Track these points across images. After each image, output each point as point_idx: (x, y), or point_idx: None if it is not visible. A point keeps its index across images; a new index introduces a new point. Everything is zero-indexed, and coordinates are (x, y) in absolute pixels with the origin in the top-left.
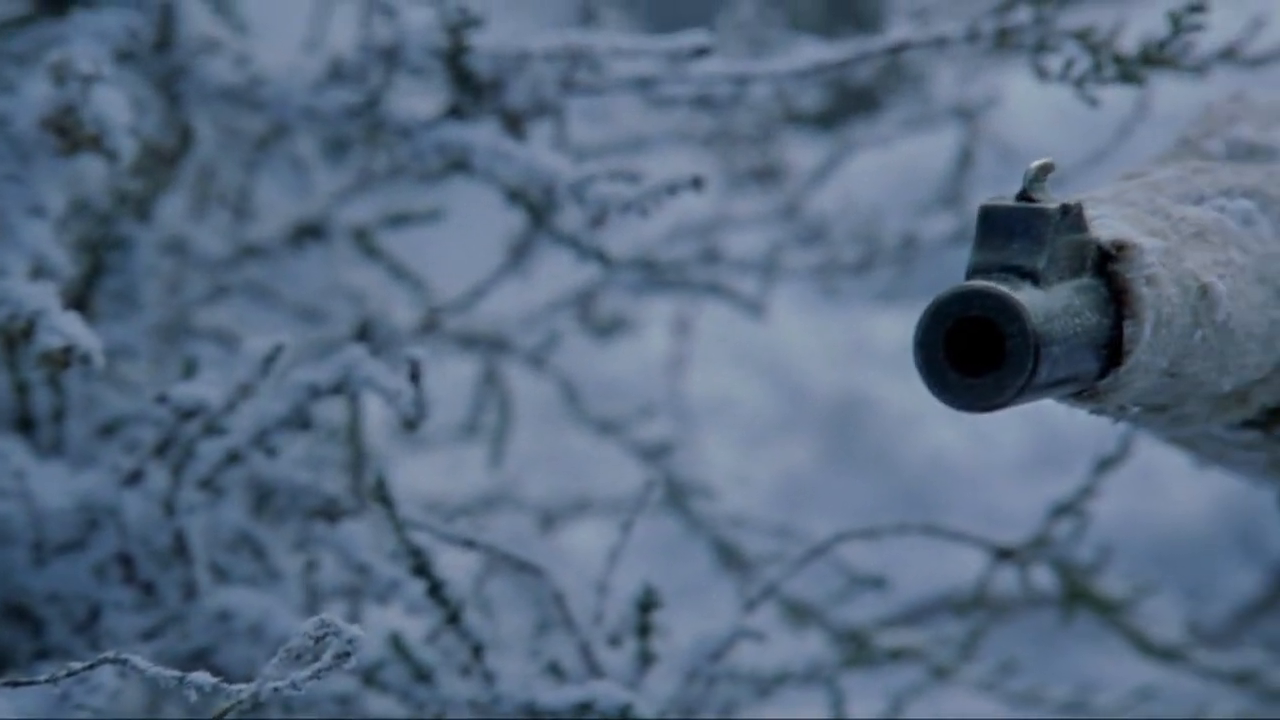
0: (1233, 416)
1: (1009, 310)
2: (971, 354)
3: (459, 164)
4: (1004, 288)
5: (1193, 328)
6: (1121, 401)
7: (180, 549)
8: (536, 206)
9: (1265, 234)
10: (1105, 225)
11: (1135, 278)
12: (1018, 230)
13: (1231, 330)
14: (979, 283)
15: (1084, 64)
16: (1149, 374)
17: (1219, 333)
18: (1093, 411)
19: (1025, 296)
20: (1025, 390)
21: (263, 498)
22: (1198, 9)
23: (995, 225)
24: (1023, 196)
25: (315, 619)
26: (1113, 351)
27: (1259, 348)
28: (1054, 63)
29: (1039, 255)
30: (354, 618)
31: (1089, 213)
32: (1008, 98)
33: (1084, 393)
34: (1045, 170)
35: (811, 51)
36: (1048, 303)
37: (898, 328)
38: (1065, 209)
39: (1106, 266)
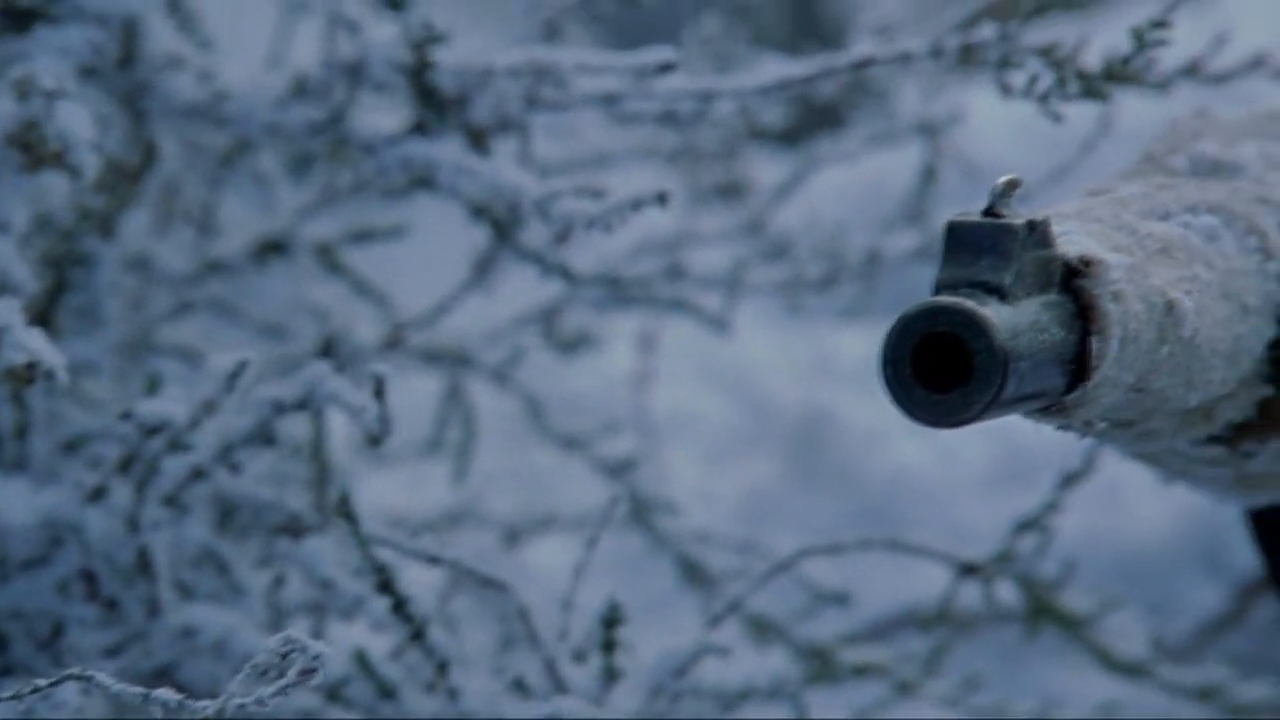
0: (1198, 432)
1: (976, 326)
2: (939, 370)
3: (423, 180)
4: (971, 303)
5: (1158, 343)
6: (1088, 417)
7: (144, 565)
8: (501, 223)
9: (1229, 250)
10: (1071, 241)
11: (1101, 293)
12: (984, 246)
13: (1197, 346)
14: (946, 298)
15: (1048, 80)
16: (1115, 389)
17: (1185, 348)
18: (1059, 427)
19: (992, 312)
20: (992, 406)
21: (227, 514)
22: (1161, 25)
23: (962, 241)
24: (989, 212)
25: (280, 635)
26: (1079, 367)
27: (1224, 363)
28: (1018, 79)
29: (1006, 271)
30: (318, 634)
31: (1055, 229)
32: (971, 114)
33: (1051, 408)
34: (1012, 186)
35: (776, 68)
36: (1014, 318)
37: (862, 344)
38: (1032, 225)
39: (1073, 282)
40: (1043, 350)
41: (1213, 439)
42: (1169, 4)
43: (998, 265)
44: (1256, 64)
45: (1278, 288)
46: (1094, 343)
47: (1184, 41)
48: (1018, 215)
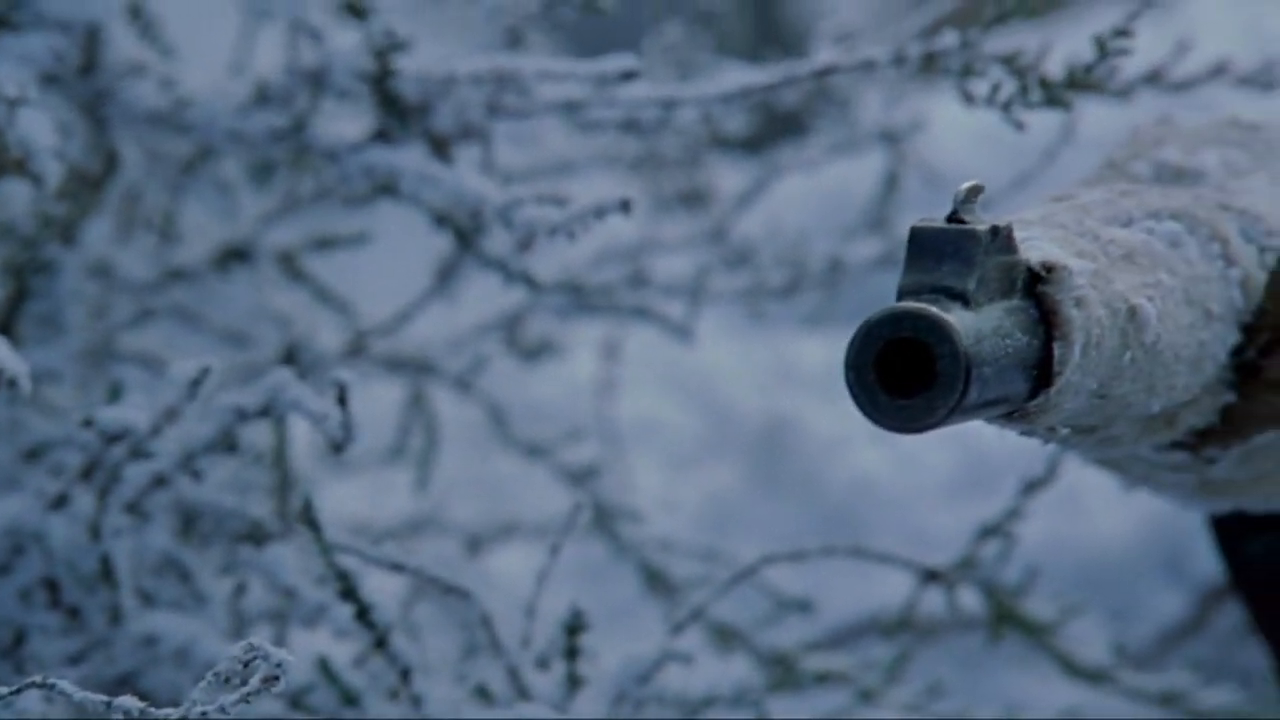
0: (1160, 438)
1: (940, 331)
2: (902, 375)
3: (385, 187)
4: (934, 309)
5: (1122, 349)
6: (1051, 423)
7: (106, 573)
8: (463, 230)
9: (1193, 256)
10: (1034, 247)
11: (1064, 299)
12: (947, 252)
13: (1160, 352)
14: (910, 304)
15: (1010, 88)
16: (1078, 395)
17: (1148, 354)
18: (1022, 433)
19: (956, 318)
20: (956, 411)
21: (189, 522)
22: (1123, 34)
23: (925, 246)
24: (952, 218)
25: (242, 643)
26: (1042, 373)
27: (1187, 369)
28: (980, 87)
29: (969, 277)
30: (281, 641)
31: (1018, 234)
32: (933, 122)
33: (1014, 414)
34: (975, 192)
35: (738, 75)
36: (978, 324)
37: (824, 352)
38: (995, 230)
39: (1036, 288)
40: (1006, 356)
41: (1175, 445)
42: (1131, 12)
43: (961, 271)
44: (1218, 71)
45: (1240, 294)
46: (1057, 348)
47: (1146, 49)
48: (981, 221)
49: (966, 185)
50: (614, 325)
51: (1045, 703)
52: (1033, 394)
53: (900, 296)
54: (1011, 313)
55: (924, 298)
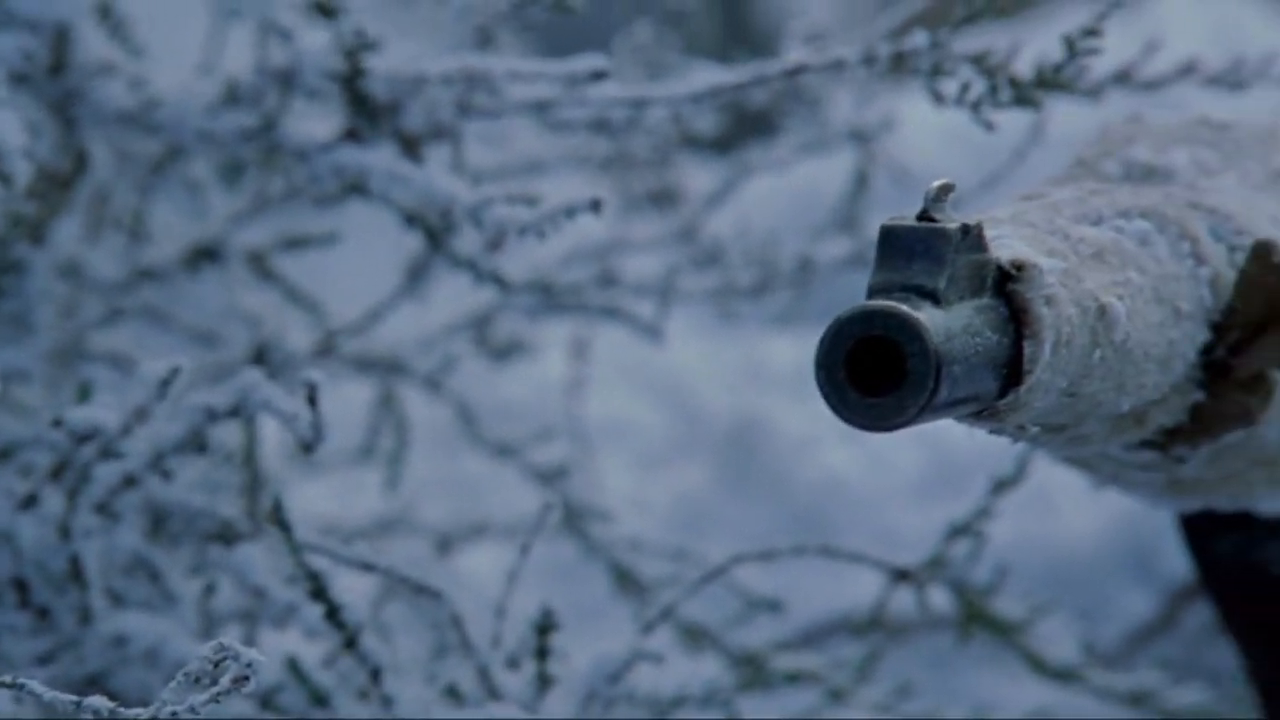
0: (1130, 437)
1: (910, 329)
2: (873, 373)
3: (355, 187)
4: (905, 307)
5: (1092, 348)
6: (1021, 421)
7: (75, 573)
8: (433, 229)
9: (1162, 254)
10: (1004, 245)
11: (1034, 298)
12: (918, 250)
13: (1130, 350)
14: (880, 302)
15: (980, 88)
16: (1048, 394)
17: (1118, 353)
18: (992, 431)
19: (926, 316)
20: (926, 409)
21: (158, 521)
22: (1093, 33)
23: (895, 245)
24: (923, 216)
25: (212, 643)
26: (1012, 371)
27: (1157, 368)
28: (950, 87)
29: (939, 275)
30: (251, 641)
31: (988, 233)
32: (903, 121)
33: (984, 412)
34: (946, 190)
35: (708, 75)
36: (948, 322)
37: (794, 351)
38: (965, 229)
39: (1006, 286)
40: (976, 354)
41: (1145, 444)
42: (1100, 12)
43: (931, 269)
44: (1188, 71)
45: (1209, 293)
46: (1027, 346)
47: (1115, 48)
48: (951, 219)
49: (937, 184)
50: (583, 325)
51: (1015, 702)
52: (1003, 392)
53: (871, 294)
54: (982, 311)
55: (894, 296)
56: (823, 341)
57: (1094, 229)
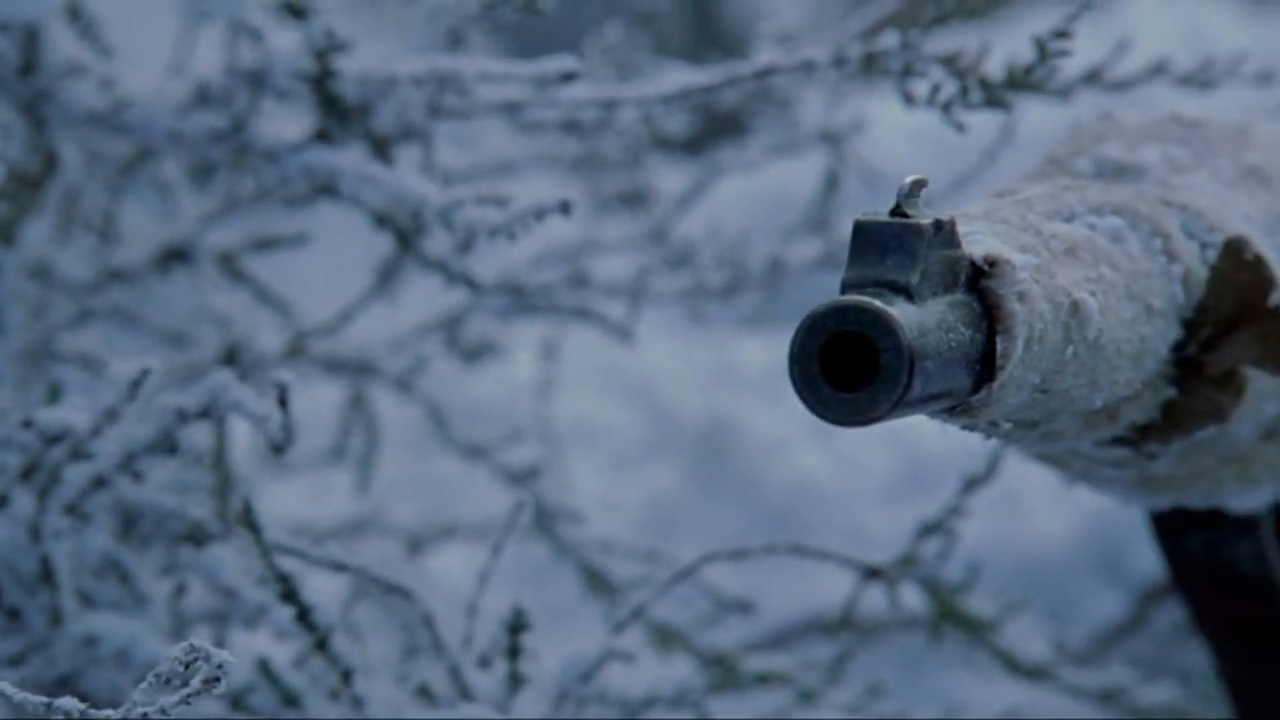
0: (1102, 433)
1: (883, 325)
2: (846, 369)
3: (326, 188)
4: (878, 302)
5: (1064, 344)
6: (993, 417)
7: (46, 574)
8: (404, 231)
9: (1134, 251)
10: (977, 241)
11: (1007, 293)
12: (891, 245)
13: (1102, 346)
14: (854, 297)
15: (950, 89)
16: (1021, 390)
17: (1090, 349)
18: (965, 427)
19: (899, 311)
20: (899, 405)
21: (129, 523)
22: (1063, 35)
23: (868, 240)
24: (896, 212)
25: (183, 644)
26: (985, 367)
27: (1129, 364)
28: (920, 88)
29: (912, 270)
30: (221, 642)
31: (961, 229)
32: (874, 122)
33: (957, 408)
34: (918, 186)
35: (678, 76)
36: (921, 318)
37: (765, 352)
38: (938, 224)
39: (979, 282)
40: (949, 350)
41: (1117, 440)
42: (1070, 14)
43: (904, 265)
44: (1158, 71)
45: (1181, 289)
46: (1000, 342)
47: (1085, 49)
48: (924, 215)
49: (910, 179)
50: (554, 326)
51: (986, 701)
52: (976, 388)
53: (844, 290)
54: (955, 307)
55: (868, 291)
56: (796, 336)
57: (1066, 225)
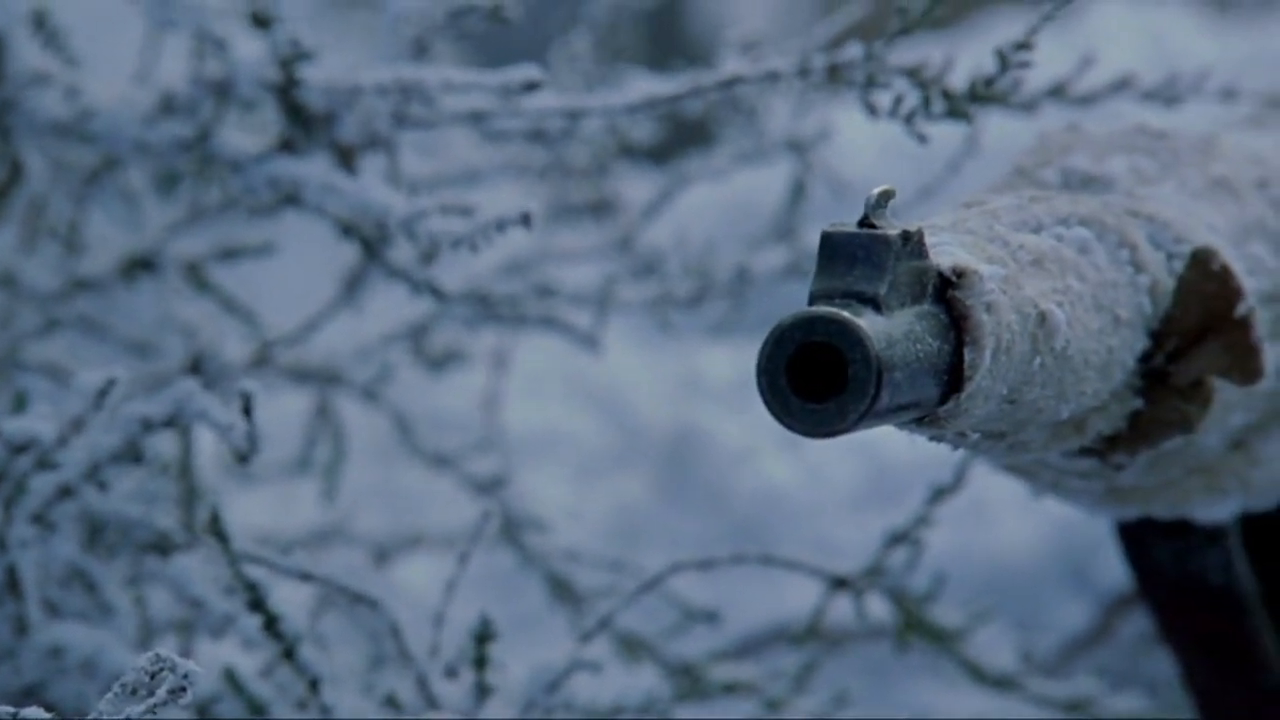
0: (1069, 444)
1: (851, 336)
2: (814, 380)
3: (290, 198)
4: (846, 313)
5: (1032, 354)
6: (961, 428)
7: (12, 584)
8: (369, 240)
9: (1101, 262)
10: (945, 252)
11: (975, 304)
12: (859, 256)
13: (1070, 357)
14: (822, 308)
15: (913, 100)
16: (989, 401)
17: (1058, 360)
18: (932, 438)
19: (867, 322)
20: (867, 416)
21: (95, 532)
22: (1024, 46)
23: (836, 251)
24: (864, 223)
25: (149, 654)
26: (953, 378)
27: (1096, 375)
28: (884, 99)
29: (880, 281)
30: (187, 652)
31: (929, 240)
32: (840, 131)
33: (925, 419)
34: (886, 197)
35: (644, 85)
36: (889, 328)
37: (731, 362)
38: (906, 235)
39: (947, 293)
40: (917, 360)
41: (1084, 451)
42: (1032, 25)
43: (872, 276)
44: (1122, 85)
45: (1148, 300)
46: (968, 353)
47: (1049, 62)
48: (892, 226)
49: (878, 190)
50: (507, 336)
51: (953, 710)
52: (944, 399)
53: (812, 301)
54: (923, 318)
55: (836, 302)
56: (764, 347)
57: (1033, 236)
